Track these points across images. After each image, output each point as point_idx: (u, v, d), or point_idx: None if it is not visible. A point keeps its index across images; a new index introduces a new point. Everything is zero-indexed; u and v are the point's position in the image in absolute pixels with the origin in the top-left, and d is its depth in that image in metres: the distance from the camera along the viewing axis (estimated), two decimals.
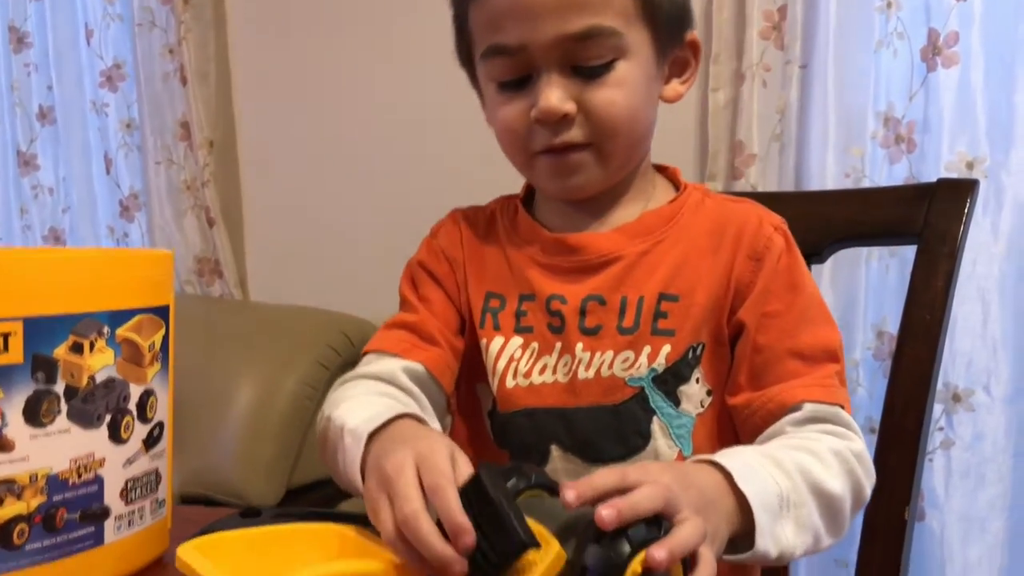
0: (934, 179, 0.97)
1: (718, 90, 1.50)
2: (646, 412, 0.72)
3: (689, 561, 0.49)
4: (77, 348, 0.65)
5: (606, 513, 0.46)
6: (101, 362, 0.67)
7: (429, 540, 0.50)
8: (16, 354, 0.62)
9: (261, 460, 1.60)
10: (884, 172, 1.44)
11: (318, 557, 0.57)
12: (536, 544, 0.47)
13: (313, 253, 1.98)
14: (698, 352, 0.72)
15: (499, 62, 0.71)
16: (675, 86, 0.77)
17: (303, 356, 1.68)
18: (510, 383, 0.75)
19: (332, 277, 1.95)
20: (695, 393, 0.72)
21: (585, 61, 0.69)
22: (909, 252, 0.94)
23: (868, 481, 0.67)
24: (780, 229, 0.75)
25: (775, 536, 0.58)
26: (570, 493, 0.48)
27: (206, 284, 2.05)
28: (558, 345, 0.73)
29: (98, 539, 0.69)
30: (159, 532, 0.77)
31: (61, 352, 0.64)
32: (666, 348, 0.72)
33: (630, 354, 0.72)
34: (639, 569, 0.45)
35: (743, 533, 0.58)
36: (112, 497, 0.70)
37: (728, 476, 0.58)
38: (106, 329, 0.68)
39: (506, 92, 0.72)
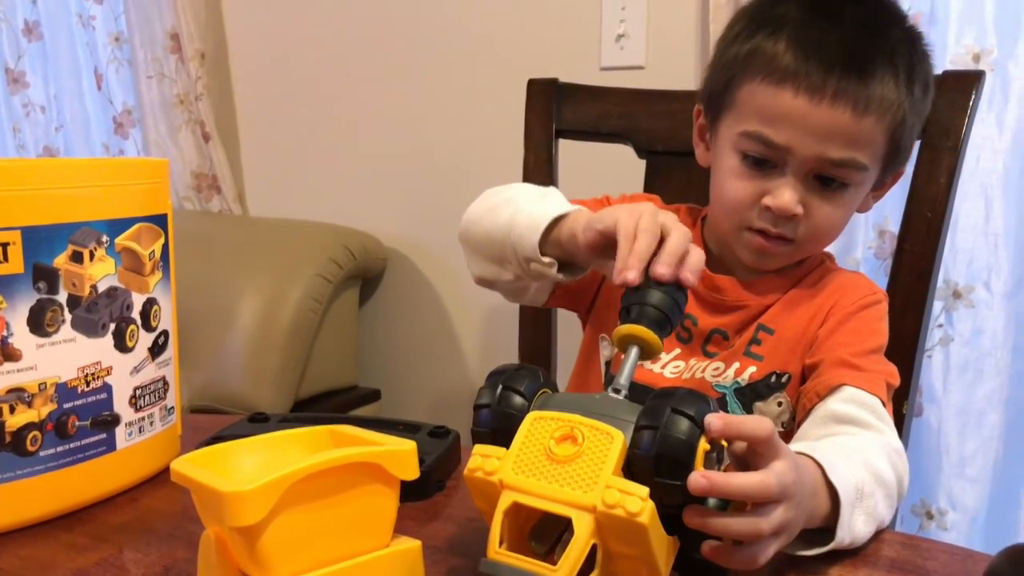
0: (939, 72, 0.95)
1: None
2: None
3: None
4: (77, 257, 0.65)
5: (699, 486, 0.49)
6: (102, 271, 0.68)
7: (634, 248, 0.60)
8: (16, 264, 0.62)
9: (268, 371, 1.63)
10: None
11: (310, 454, 0.58)
12: None
13: (310, 166, 1.96)
14: (783, 380, 0.82)
15: (756, 146, 0.78)
16: (868, 199, 0.86)
17: (305, 269, 1.69)
18: None
19: (330, 190, 1.94)
20: (772, 412, 0.81)
21: (826, 174, 0.78)
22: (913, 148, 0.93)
23: (906, 475, 0.70)
24: (875, 296, 0.84)
25: (851, 527, 0.60)
26: (717, 422, 0.50)
27: (205, 200, 2.04)
28: (677, 350, 0.85)
29: (110, 445, 0.71)
30: (170, 439, 0.79)
31: (61, 261, 0.65)
32: (751, 369, 0.82)
33: (720, 365, 0.83)
34: (707, 447, 0.50)
35: (823, 524, 0.60)
36: (121, 404, 0.71)
37: (821, 468, 0.60)
38: (105, 238, 0.68)
39: (745, 165, 0.80)
